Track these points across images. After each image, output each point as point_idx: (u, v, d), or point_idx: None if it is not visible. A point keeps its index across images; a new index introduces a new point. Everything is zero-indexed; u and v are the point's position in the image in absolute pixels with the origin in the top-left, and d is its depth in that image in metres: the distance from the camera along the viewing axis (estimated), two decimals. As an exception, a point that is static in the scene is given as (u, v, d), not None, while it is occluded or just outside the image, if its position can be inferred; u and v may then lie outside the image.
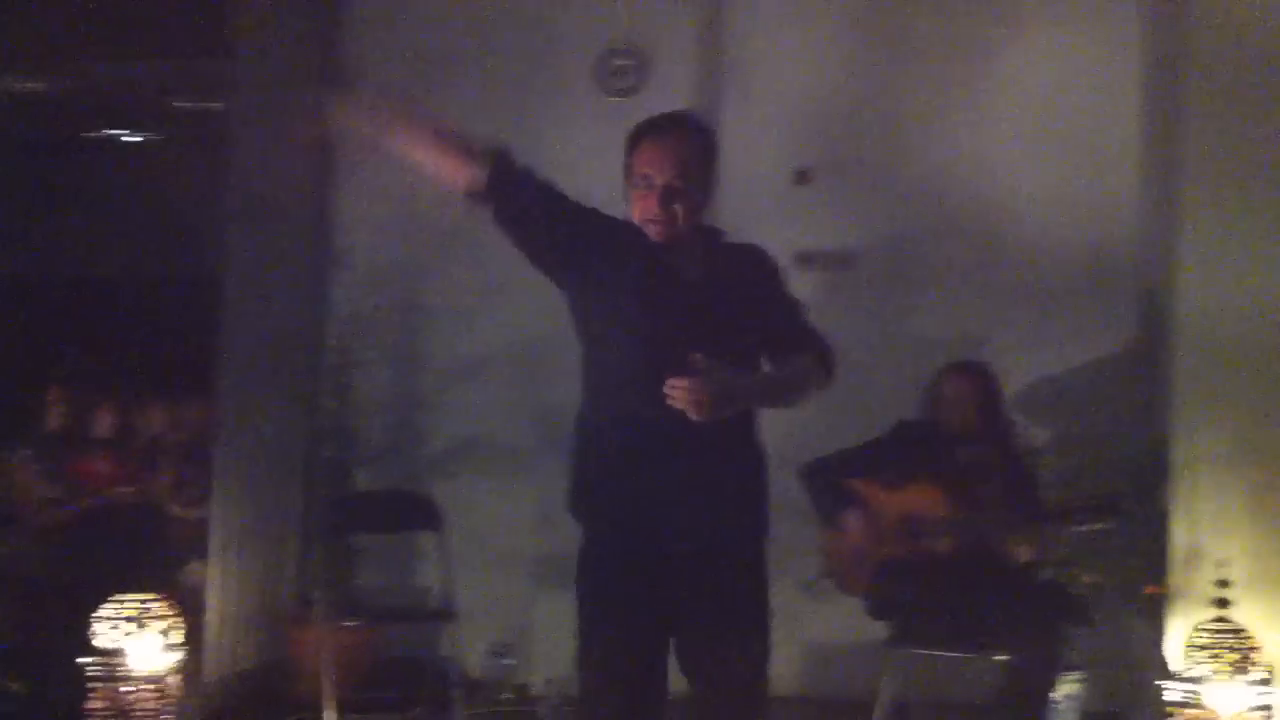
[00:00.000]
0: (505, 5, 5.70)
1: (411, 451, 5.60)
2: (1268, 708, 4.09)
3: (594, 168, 5.35)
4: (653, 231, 2.94)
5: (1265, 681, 4.10)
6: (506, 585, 5.41)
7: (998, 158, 5.38)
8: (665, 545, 2.93)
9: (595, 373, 2.99)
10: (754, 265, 3.06)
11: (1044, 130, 5.35)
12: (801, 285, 5.34)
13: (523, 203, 2.99)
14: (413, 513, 5.06)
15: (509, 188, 2.96)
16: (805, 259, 5.49)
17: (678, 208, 2.92)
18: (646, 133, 2.98)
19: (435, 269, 5.68)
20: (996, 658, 4.23)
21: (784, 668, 5.21)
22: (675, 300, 2.92)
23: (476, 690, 5.09)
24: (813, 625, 5.13)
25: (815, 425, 4.79)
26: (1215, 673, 4.05)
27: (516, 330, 5.55)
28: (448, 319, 5.66)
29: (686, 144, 2.95)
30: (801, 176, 5.53)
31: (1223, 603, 4.13)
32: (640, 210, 2.95)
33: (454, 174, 2.97)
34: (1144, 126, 5.22)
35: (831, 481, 4.42)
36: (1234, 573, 4.15)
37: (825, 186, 5.53)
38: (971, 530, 4.26)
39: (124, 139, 7.64)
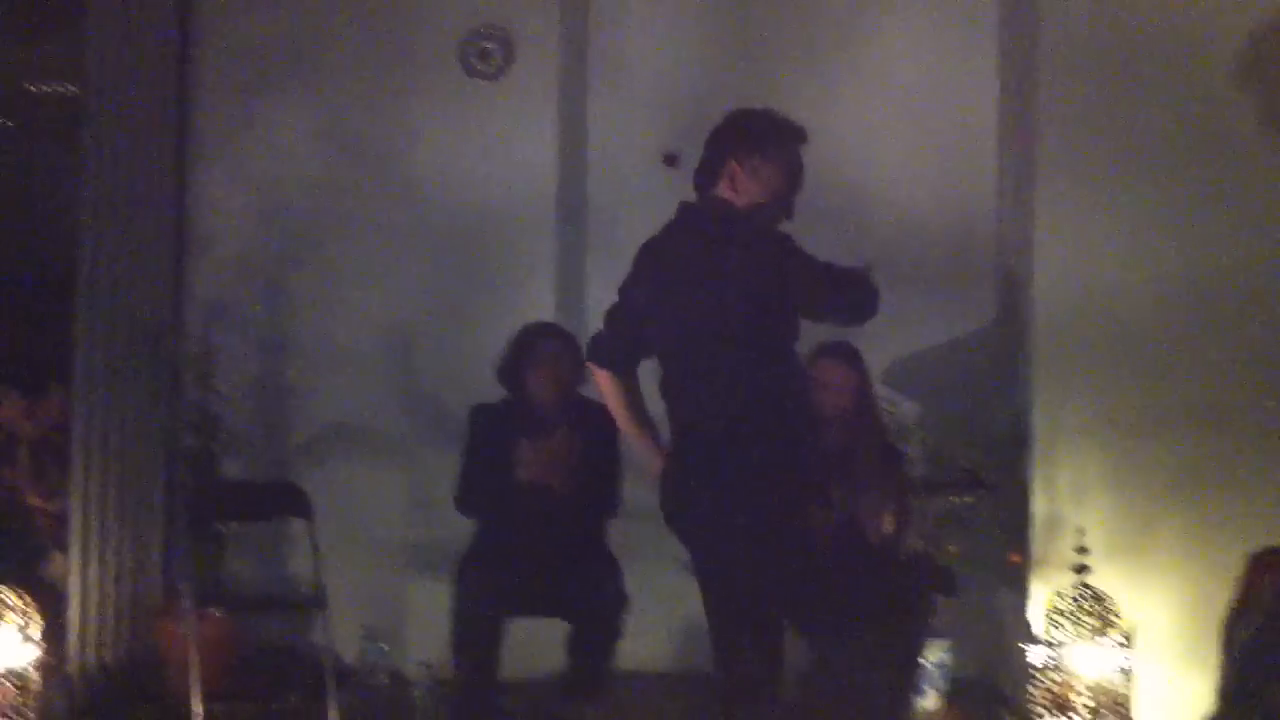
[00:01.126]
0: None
1: (280, 439, 5.52)
2: (1127, 669, 4.23)
3: (458, 150, 5.39)
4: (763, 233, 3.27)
5: (1124, 644, 4.24)
6: (379, 572, 5.35)
7: (860, 142, 5.46)
8: None
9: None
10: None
11: (904, 115, 5.45)
12: None
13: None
14: (281, 501, 4.98)
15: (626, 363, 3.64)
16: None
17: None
18: (781, 143, 3.32)
19: (301, 256, 5.59)
20: (867, 628, 4.31)
21: (663, 645, 5.29)
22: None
23: (350, 677, 5.03)
24: (688, 602, 5.17)
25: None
26: (1076, 637, 4.17)
27: (386, 317, 5.50)
28: (315, 306, 5.58)
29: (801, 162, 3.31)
30: (670, 160, 5.56)
31: (1082, 569, 4.26)
32: (759, 215, 3.28)
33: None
34: (1001, 110, 5.35)
35: None
36: (1092, 539, 4.28)
37: (694, 170, 5.55)
38: (840, 506, 4.32)
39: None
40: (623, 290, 3.57)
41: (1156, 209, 4.62)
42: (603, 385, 3.62)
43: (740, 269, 3.23)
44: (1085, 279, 4.67)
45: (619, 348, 3.55)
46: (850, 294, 3.41)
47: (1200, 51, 4.64)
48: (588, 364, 3.71)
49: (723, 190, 3.37)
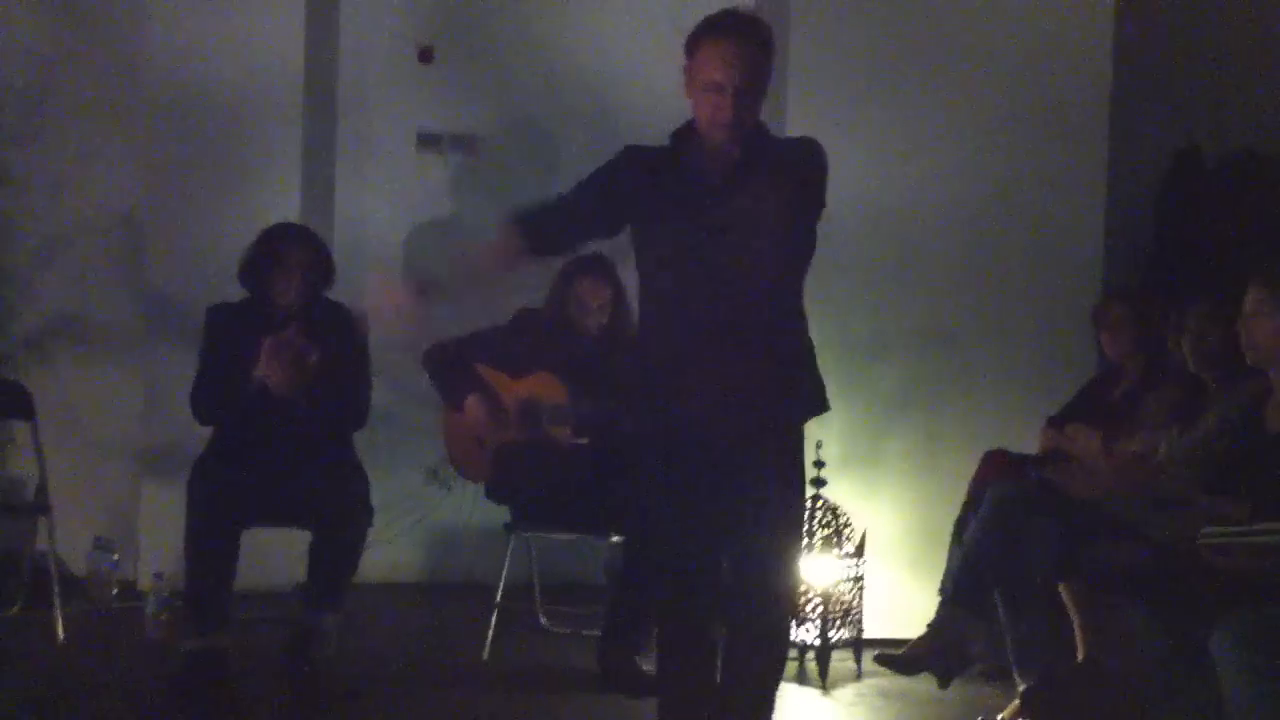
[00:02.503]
0: None
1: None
2: (860, 578, 4.43)
3: (195, 28, 5.05)
4: (722, 136, 2.91)
5: (856, 554, 4.42)
6: (109, 477, 5.12)
7: (624, 45, 5.41)
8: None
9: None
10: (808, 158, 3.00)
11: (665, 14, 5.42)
12: (425, 166, 5.40)
13: (555, 230, 3.09)
14: (1, 400, 4.69)
15: (540, 237, 3.06)
16: (428, 140, 5.41)
17: (744, 109, 2.90)
18: (709, 34, 2.92)
19: (22, 132, 5.20)
20: (612, 539, 4.38)
21: (412, 554, 5.26)
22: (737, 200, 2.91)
23: (78, 586, 4.83)
24: (438, 511, 5.16)
25: (439, 313, 4.76)
26: (810, 548, 4.33)
27: (116, 202, 5.19)
28: (38, 187, 5.21)
29: (753, 46, 2.92)
30: (425, 55, 5.40)
31: (818, 482, 4.40)
32: (705, 109, 2.92)
33: (505, 264, 3.15)
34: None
35: (454, 366, 4.40)
36: (827, 453, 4.42)
37: (449, 67, 5.42)
38: (588, 415, 4.34)
39: None
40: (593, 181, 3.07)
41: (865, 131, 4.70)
42: (498, 239, 3.04)
43: (712, 187, 2.94)
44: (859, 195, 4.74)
45: (554, 223, 3.04)
46: None
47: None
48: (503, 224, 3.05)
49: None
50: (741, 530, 3.04)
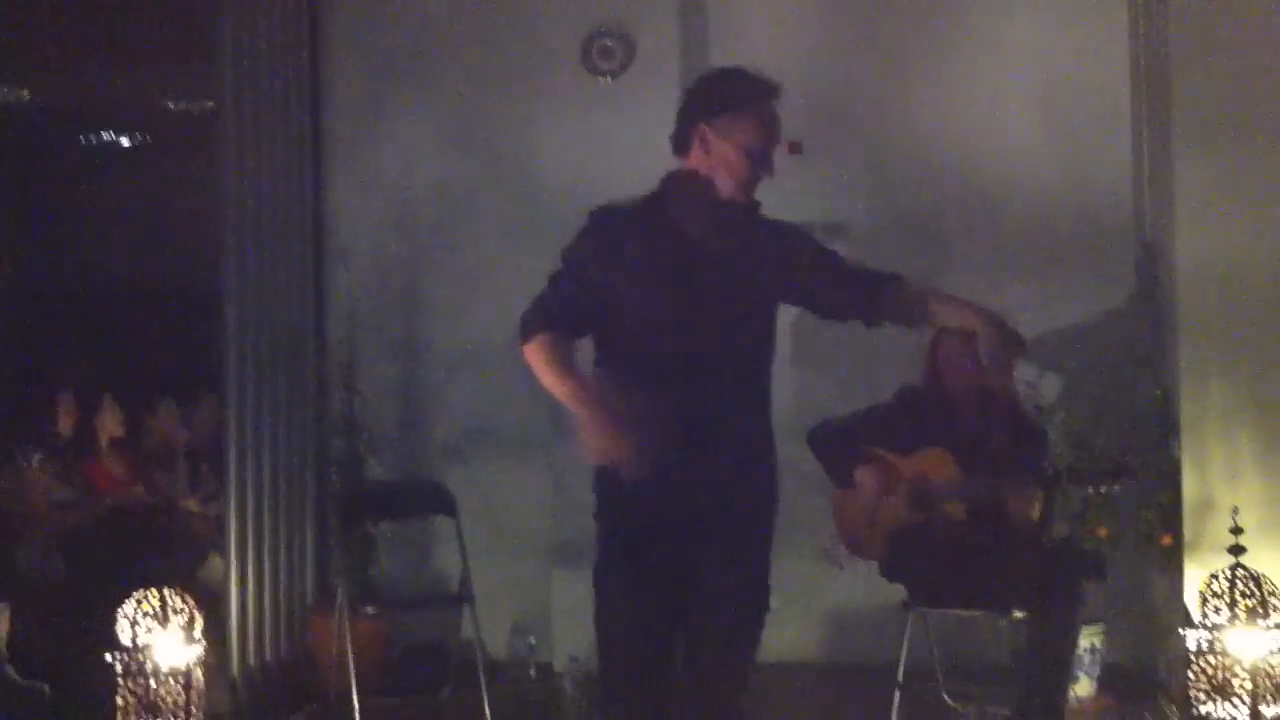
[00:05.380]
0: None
1: (422, 440, 5.64)
2: (1288, 650, 4.13)
3: (582, 148, 5.42)
4: (740, 194, 2.99)
5: (1281, 626, 4.14)
6: (524, 566, 5.45)
7: (994, 122, 5.40)
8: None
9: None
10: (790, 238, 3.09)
11: (1037, 98, 5.39)
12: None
13: (579, 318, 3.06)
14: (427, 499, 5.11)
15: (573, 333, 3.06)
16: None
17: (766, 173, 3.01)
18: (756, 96, 3.00)
19: (433, 259, 5.71)
20: (1016, 616, 4.26)
21: (807, 635, 5.29)
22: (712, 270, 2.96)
23: (499, 671, 5.14)
24: (831, 592, 5.18)
25: (820, 393, 4.85)
26: (1233, 619, 4.08)
27: (515, 318, 5.56)
28: (448, 308, 5.70)
29: (776, 116, 3.03)
30: (794, 148, 5.55)
31: (1236, 550, 4.16)
32: (733, 169, 2.99)
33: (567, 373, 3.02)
34: (1135, 89, 5.25)
35: (841, 446, 4.43)
36: (1246, 520, 4.18)
37: (817, 159, 5.55)
38: (982, 491, 4.27)
39: (120, 143, 7.65)
40: (569, 259, 3.09)
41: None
42: (538, 354, 3.00)
43: (707, 246, 2.96)
44: (1227, 256, 4.55)
45: (565, 312, 3.02)
46: (857, 288, 3.09)
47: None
48: (522, 345, 3.06)
49: (694, 156, 3.03)
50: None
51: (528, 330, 3.03)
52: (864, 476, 4.34)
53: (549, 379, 2.96)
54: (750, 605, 2.97)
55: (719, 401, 2.91)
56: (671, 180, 3.06)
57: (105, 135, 7.53)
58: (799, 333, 5.56)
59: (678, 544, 2.91)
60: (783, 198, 5.68)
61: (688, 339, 2.94)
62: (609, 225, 3.03)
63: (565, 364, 2.96)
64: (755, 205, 3.06)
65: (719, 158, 2.98)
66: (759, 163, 2.99)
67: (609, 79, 5.42)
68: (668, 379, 2.90)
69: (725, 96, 3.00)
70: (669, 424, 2.86)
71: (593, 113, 5.41)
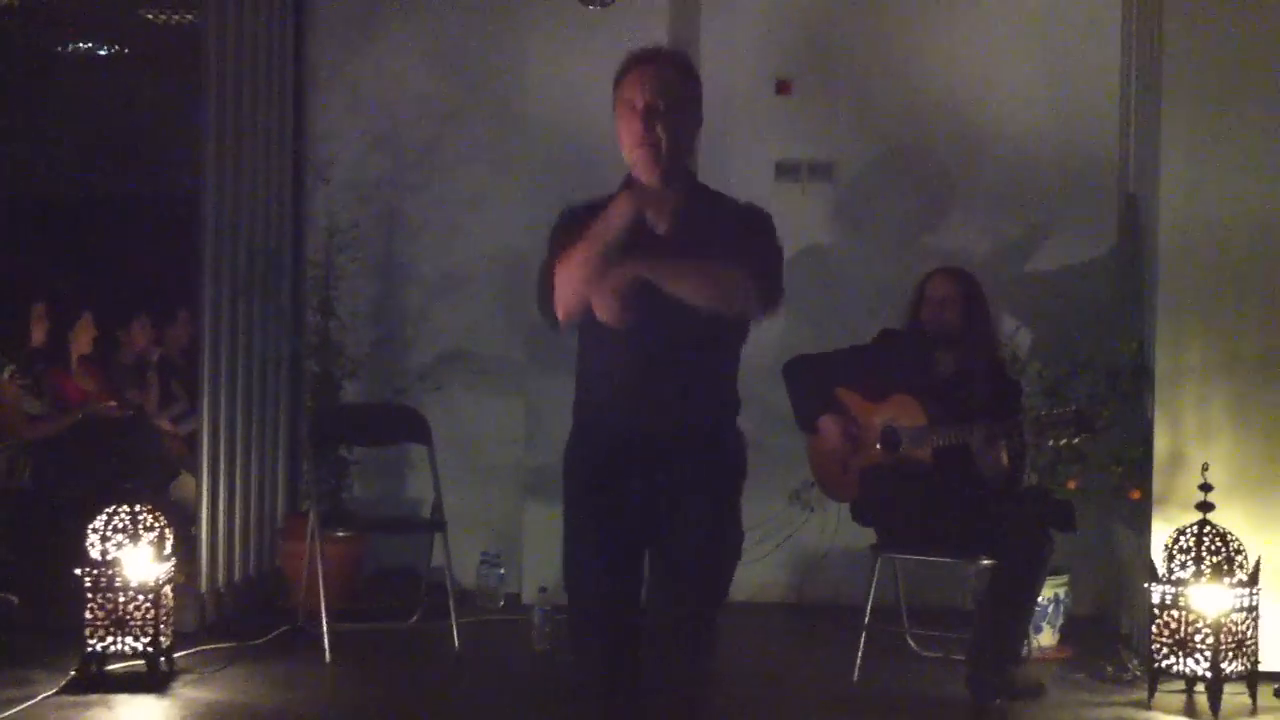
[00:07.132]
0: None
1: (398, 364, 5.61)
2: (1254, 608, 4.16)
3: (572, 77, 5.36)
4: (643, 157, 2.92)
5: (1249, 583, 4.17)
6: (496, 496, 5.45)
7: (984, 65, 5.36)
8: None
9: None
10: (742, 224, 3.00)
11: (1027, 40, 5.34)
12: (783, 193, 5.48)
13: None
14: (402, 426, 5.09)
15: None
16: (787, 168, 5.49)
17: (661, 130, 2.89)
18: (629, 64, 2.97)
19: (415, 182, 5.66)
20: (983, 562, 4.29)
21: (777, 575, 5.32)
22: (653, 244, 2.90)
23: (468, 599, 5.16)
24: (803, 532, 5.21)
25: (800, 333, 4.83)
26: (1198, 575, 4.11)
27: (497, 244, 5.54)
28: (429, 231, 5.65)
29: (667, 70, 2.93)
30: (783, 87, 5.50)
31: (1205, 506, 4.18)
32: (626, 134, 2.93)
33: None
34: (1125, 36, 5.20)
35: (813, 382, 4.44)
36: (1215, 477, 4.20)
37: (806, 97, 5.50)
38: (951, 438, 4.28)
39: (97, 52, 7.52)
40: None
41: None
42: (560, 270, 2.93)
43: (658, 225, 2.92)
44: (1209, 213, 4.54)
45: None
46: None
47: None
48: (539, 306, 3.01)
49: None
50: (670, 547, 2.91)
51: (544, 284, 2.97)
52: (827, 420, 4.36)
53: (586, 243, 2.87)
54: (723, 543, 2.97)
55: (688, 352, 2.89)
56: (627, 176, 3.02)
57: (83, 45, 7.39)
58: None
59: (646, 475, 2.91)
60: (773, 137, 5.70)
61: (651, 316, 2.86)
62: (573, 222, 2.98)
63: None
64: (689, 176, 3.00)
65: (620, 127, 2.94)
66: (644, 122, 2.88)
67: (598, 7, 5.34)
68: (640, 344, 2.88)
69: (615, 79, 2.96)
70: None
71: (581, 41, 5.34)
